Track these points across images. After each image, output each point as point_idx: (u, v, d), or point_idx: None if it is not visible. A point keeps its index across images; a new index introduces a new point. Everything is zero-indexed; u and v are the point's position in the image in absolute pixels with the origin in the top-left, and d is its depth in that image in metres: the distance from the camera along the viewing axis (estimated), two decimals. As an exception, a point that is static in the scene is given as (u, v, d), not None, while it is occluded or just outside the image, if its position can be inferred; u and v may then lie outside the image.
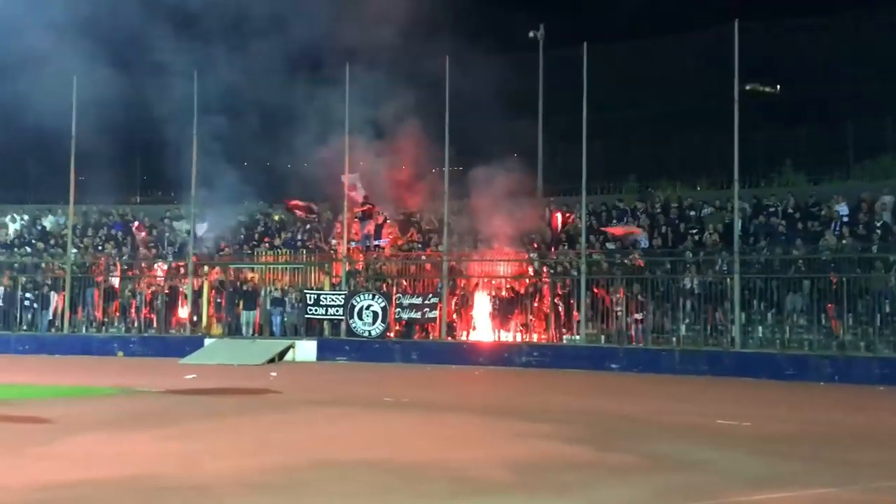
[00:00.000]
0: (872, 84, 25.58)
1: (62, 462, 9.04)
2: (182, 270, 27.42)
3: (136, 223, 30.80)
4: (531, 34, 29.76)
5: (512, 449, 10.18)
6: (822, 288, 20.53)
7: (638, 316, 22.58)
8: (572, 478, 8.66)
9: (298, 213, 29.59)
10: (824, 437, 11.70)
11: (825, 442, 11.30)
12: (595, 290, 23.23)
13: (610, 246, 24.96)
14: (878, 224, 22.38)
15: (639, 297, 22.59)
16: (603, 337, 22.99)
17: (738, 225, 22.17)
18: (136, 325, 26.98)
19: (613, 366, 21.89)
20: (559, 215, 26.71)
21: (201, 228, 29.07)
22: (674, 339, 22.12)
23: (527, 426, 11.97)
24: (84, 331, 26.97)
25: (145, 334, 26.50)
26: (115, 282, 27.69)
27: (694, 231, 24.56)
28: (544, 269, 24.88)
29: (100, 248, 29.86)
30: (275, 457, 9.36)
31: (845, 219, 23.04)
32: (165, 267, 28.16)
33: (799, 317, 21.01)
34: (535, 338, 23.71)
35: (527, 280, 24.69)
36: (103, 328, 27.07)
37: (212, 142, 27.51)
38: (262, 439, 10.61)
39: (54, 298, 27.42)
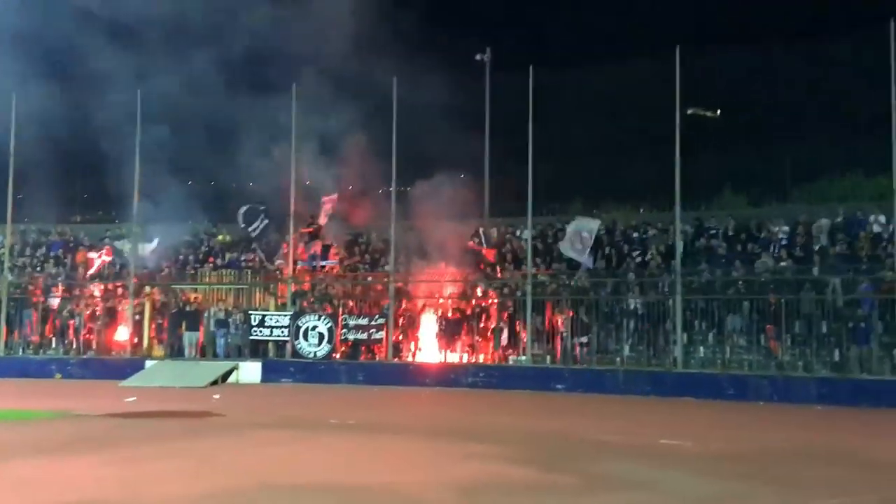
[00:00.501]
0: (809, 110, 26.34)
1: (-2, 489, 8.80)
2: (121, 291, 26.92)
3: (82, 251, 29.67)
4: (478, 57, 30.05)
5: (458, 471, 10.17)
6: (761, 309, 20.95)
7: (584, 339, 22.79)
8: (518, 500, 8.70)
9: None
10: (765, 457, 11.91)
11: (766, 461, 11.51)
12: (540, 311, 23.38)
13: (556, 266, 25.19)
14: (816, 247, 22.97)
15: (583, 317, 22.81)
16: (548, 357, 23.13)
17: (679, 247, 22.53)
18: (74, 346, 26.39)
19: (559, 386, 22.00)
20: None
21: (144, 248, 28.63)
22: (618, 359, 22.36)
23: (473, 447, 11.98)
24: (21, 353, 26.31)
25: (84, 356, 25.92)
26: (54, 302, 27.09)
27: (637, 253, 24.91)
28: (489, 290, 24.95)
29: (38, 268, 29.21)
30: (219, 481, 9.22)
31: (784, 241, 23.61)
32: (104, 287, 27.61)
33: (739, 337, 21.40)
34: (481, 358, 23.76)
35: (473, 301, 24.75)
36: (41, 350, 26.43)
37: (155, 160, 27.16)
38: (206, 463, 10.45)
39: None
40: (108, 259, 28.93)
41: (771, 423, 16.52)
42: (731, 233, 24.60)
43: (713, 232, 25.02)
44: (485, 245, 26.53)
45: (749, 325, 21.06)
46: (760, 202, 27.20)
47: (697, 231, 25.22)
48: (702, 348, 21.84)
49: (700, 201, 27.13)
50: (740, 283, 21.96)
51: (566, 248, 24.43)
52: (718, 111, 30.58)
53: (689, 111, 26.33)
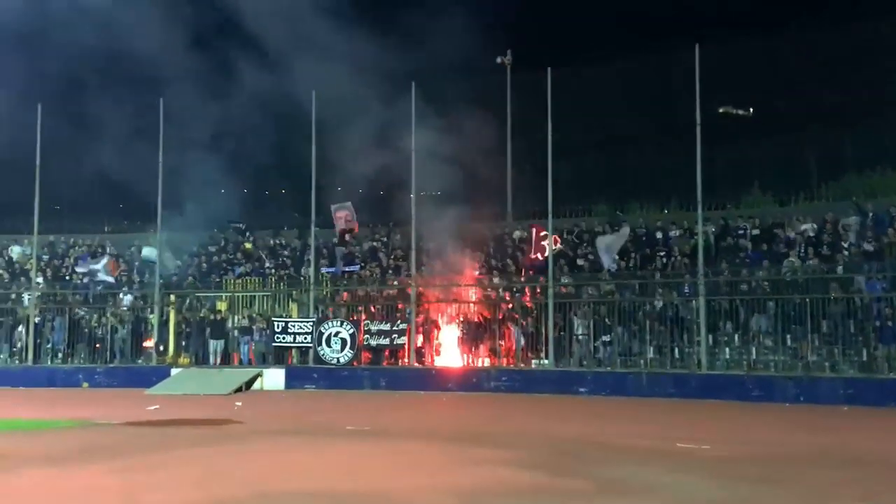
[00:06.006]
0: (835, 104, 25.86)
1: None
2: (148, 300, 27.12)
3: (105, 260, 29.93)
4: (499, 59, 29.91)
5: (463, 476, 10.02)
6: (787, 309, 20.56)
7: (606, 338, 22.55)
8: (519, 505, 8.54)
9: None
10: (782, 459, 11.61)
11: (782, 463, 11.22)
12: (564, 314, 23.15)
13: (580, 262, 24.98)
14: (845, 244, 22.49)
15: (606, 320, 22.55)
16: (571, 360, 22.90)
17: (702, 247, 22.19)
18: (102, 355, 26.60)
19: (582, 389, 21.79)
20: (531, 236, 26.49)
21: (170, 257, 28.84)
22: (641, 361, 22.07)
23: (485, 452, 11.82)
24: (49, 362, 26.58)
25: (111, 365, 26.13)
26: (82, 312, 27.35)
27: (662, 254, 24.59)
28: (507, 294, 24.75)
29: (66, 277, 29.53)
30: (218, 489, 9.15)
31: (811, 239, 23.15)
32: (132, 296, 27.84)
33: (765, 338, 21.02)
34: (504, 362, 23.58)
35: (495, 305, 24.56)
36: (69, 359, 26.68)
37: (182, 169, 27.33)
38: (210, 471, 10.39)
39: (19, 329, 27.04)
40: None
41: (795, 425, 16.17)
42: (756, 232, 24.19)
43: (740, 231, 24.61)
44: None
45: (775, 325, 20.68)
46: (787, 200, 26.73)
47: (724, 231, 24.82)
48: (727, 349, 21.49)
49: (726, 200, 26.71)
50: (766, 282, 21.57)
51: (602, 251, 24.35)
52: (751, 109, 30.08)
53: (722, 110, 26.00)
